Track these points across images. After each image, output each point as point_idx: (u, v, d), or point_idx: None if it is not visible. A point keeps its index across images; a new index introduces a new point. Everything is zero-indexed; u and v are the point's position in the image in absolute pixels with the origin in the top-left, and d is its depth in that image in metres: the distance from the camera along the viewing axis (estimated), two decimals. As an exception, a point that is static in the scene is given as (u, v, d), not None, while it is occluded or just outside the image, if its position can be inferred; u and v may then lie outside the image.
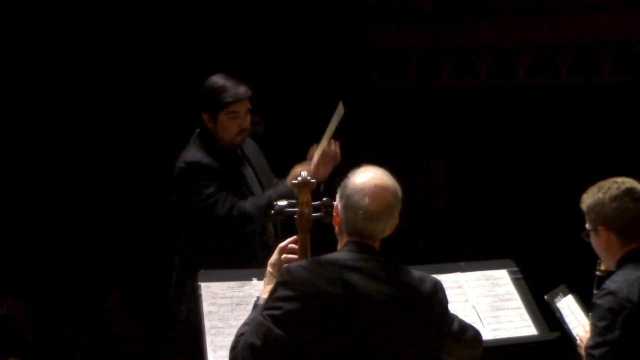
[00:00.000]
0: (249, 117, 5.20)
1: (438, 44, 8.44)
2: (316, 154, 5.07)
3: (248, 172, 5.24)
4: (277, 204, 3.76)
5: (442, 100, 8.63)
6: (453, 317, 3.64)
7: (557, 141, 8.37)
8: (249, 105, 5.19)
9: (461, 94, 8.60)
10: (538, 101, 8.39)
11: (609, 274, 4.07)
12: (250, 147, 5.35)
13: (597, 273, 4.12)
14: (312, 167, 5.03)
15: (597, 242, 4.03)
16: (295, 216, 3.71)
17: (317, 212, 3.66)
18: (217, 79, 5.18)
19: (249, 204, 5.03)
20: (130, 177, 8.53)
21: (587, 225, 4.05)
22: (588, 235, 4.05)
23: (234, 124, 5.13)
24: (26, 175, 8.54)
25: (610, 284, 3.87)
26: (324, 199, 3.60)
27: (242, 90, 5.15)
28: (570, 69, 8.22)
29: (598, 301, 3.84)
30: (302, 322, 3.34)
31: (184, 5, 8.58)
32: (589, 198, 4.03)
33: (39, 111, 8.57)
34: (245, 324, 3.51)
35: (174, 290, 5.23)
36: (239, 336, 3.46)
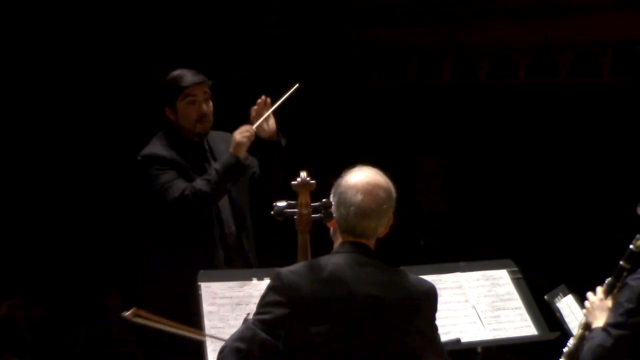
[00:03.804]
0: (210, 105, 5.20)
1: (438, 44, 8.44)
2: (265, 113, 5.14)
3: (211, 166, 5.24)
4: (276, 205, 3.76)
5: (442, 100, 8.63)
6: (437, 329, 3.63)
7: (557, 141, 8.36)
8: (207, 91, 5.20)
9: (461, 94, 8.59)
10: (538, 101, 8.38)
11: None
12: (220, 141, 5.34)
13: (632, 247, 4.07)
14: (254, 126, 5.12)
15: None
16: (294, 217, 3.72)
17: (317, 214, 3.66)
18: (174, 71, 5.23)
19: (198, 182, 5.04)
20: (132, 176, 8.51)
21: None
22: None
23: (193, 110, 5.14)
24: (26, 175, 8.53)
25: None
26: (324, 200, 3.60)
27: (198, 76, 5.19)
28: (570, 69, 8.21)
29: (631, 282, 3.83)
30: (291, 327, 3.35)
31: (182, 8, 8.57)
32: None
33: (39, 111, 8.56)
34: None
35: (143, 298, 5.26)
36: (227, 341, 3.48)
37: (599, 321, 3.94)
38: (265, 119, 5.18)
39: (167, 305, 5.01)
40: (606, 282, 4.04)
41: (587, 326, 4.04)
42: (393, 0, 8.39)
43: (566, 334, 4.37)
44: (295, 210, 3.70)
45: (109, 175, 8.47)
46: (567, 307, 4.42)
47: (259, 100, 5.21)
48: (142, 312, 4.03)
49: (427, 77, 8.62)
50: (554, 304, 4.42)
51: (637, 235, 4.07)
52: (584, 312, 4.10)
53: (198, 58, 8.22)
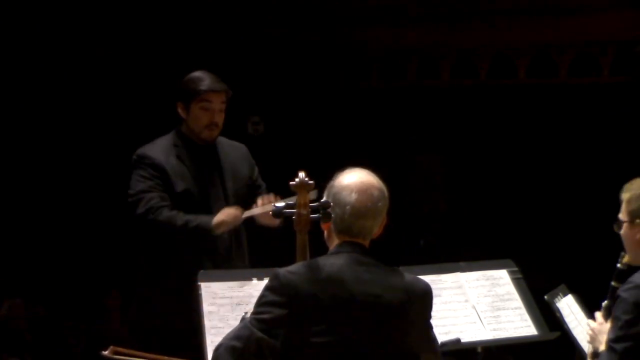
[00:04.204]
0: (222, 116, 5.17)
1: (438, 44, 8.44)
2: (267, 206, 4.96)
3: (211, 174, 5.21)
4: (275, 205, 3.75)
5: (442, 100, 8.63)
6: (432, 327, 3.64)
7: (556, 141, 8.37)
8: (224, 101, 5.16)
9: (461, 94, 8.60)
10: (538, 101, 8.39)
11: (630, 267, 4.04)
12: (231, 150, 5.32)
13: (619, 265, 4.06)
14: (248, 213, 4.99)
15: (630, 235, 3.95)
16: (293, 217, 3.71)
17: (315, 214, 3.66)
18: (198, 72, 5.20)
19: (167, 216, 4.99)
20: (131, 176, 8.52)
21: (622, 216, 3.98)
22: (621, 227, 4.01)
23: (205, 116, 5.11)
24: (26, 175, 8.54)
25: (637, 278, 3.82)
26: (322, 200, 3.59)
27: (219, 85, 5.15)
28: (570, 69, 8.21)
29: (623, 294, 3.80)
30: (289, 328, 3.35)
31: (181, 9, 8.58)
32: (633, 189, 3.95)
33: (39, 110, 8.56)
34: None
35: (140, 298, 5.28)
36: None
37: (604, 345, 3.91)
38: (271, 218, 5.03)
39: (161, 305, 5.04)
40: (603, 305, 4.03)
41: (595, 354, 4.01)
42: (393, 0, 8.40)
43: (566, 334, 4.37)
44: (294, 210, 3.70)
45: (109, 175, 8.47)
46: (567, 307, 4.41)
47: (266, 198, 5.05)
48: (120, 349, 4.15)
49: (427, 77, 8.62)
50: (554, 304, 4.42)
51: (622, 253, 4.06)
52: (588, 341, 4.08)
53: (198, 58, 8.24)
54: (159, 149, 5.14)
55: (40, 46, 8.46)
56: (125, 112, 8.53)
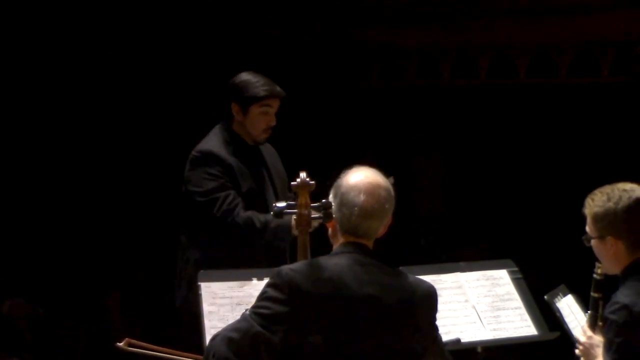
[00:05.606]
0: (275, 119, 5.24)
1: (438, 44, 8.44)
2: None
3: (263, 172, 5.26)
4: (276, 205, 3.76)
5: (442, 100, 8.63)
6: (437, 329, 3.64)
7: (556, 141, 8.37)
8: (279, 104, 5.24)
9: (461, 94, 8.59)
10: (538, 101, 8.39)
11: (606, 277, 4.04)
12: (268, 150, 5.38)
13: (595, 276, 4.08)
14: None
15: (602, 250, 3.95)
16: (294, 217, 3.72)
17: (316, 214, 3.66)
18: (254, 74, 5.25)
19: (244, 219, 5.01)
20: (131, 176, 8.53)
21: (590, 232, 3.97)
22: (589, 241, 4.00)
23: (263, 120, 5.18)
24: (26, 174, 8.53)
25: (622, 297, 3.80)
26: (323, 200, 3.59)
27: (279, 88, 5.23)
28: (570, 69, 8.21)
29: (612, 317, 3.77)
30: (289, 325, 3.35)
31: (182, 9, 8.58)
32: (597, 206, 3.93)
33: (37, 110, 8.56)
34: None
35: (180, 285, 5.26)
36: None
37: (599, 358, 3.90)
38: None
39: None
40: (587, 317, 4.03)
41: None
42: (393, 0, 8.40)
43: (566, 334, 4.37)
44: (295, 210, 3.70)
45: (110, 175, 8.47)
46: (567, 307, 4.41)
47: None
48: (134, 342, 4.18)
49: (427, 77, 8.62)
50: (554, 304, 4.42)
51: (597, 264, 4.06)
52: (578, 354, 4.07)
53: (198, 58, 8.25)
54: (223, 147, 5.16)
55: (26, 53, 8.47)
56: (124, 113, 8.53)
